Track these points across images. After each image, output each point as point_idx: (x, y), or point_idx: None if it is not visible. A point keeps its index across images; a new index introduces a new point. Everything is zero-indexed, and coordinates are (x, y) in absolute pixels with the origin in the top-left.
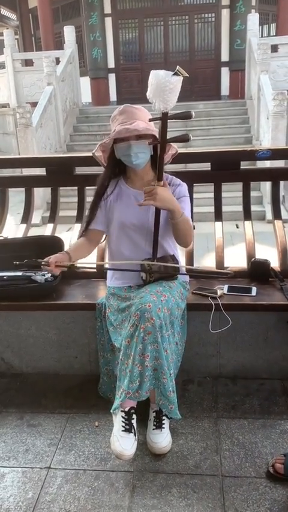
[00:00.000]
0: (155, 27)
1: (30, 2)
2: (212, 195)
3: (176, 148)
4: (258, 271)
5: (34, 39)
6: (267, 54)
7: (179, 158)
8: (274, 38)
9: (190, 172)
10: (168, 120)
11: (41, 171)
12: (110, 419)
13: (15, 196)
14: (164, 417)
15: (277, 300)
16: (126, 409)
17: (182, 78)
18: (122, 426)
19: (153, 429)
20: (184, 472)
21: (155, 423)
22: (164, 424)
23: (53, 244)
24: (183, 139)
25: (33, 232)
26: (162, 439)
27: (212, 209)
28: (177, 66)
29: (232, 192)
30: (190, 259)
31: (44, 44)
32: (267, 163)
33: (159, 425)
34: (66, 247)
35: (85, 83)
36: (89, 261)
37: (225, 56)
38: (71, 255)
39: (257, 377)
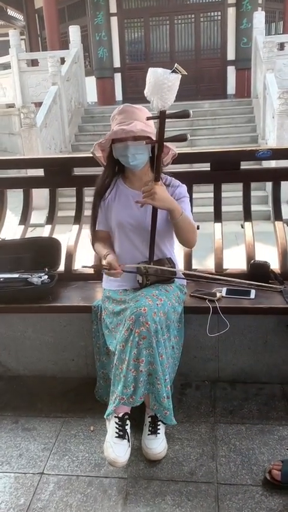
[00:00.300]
0: (161, 26)
1: (36, 2)
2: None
3: (174, 149)
4: (257, 273)
5: (40, 39)
6: (273, 52)
7: (179, 158)
8: (280, 36)
9: (190, 173)
10: (173, 120)
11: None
12: (106, 423)
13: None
14: (159, 422)
15: (276, 303)
16: (120, 415)
17: (180, 76)
18: (116, 432)
19: (148, 434)
20: (179, 479)
21: (150, 428)
22: (159, 429)
23: (51, 246)
24: (181, 138)
25: (39, 233)
26: (157, 444)
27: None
28: (176, 64)
29: (237, 192)
30: (189, 261)
31: (50, 44)
32: (272, 163)
33: (154, 431)
34: (63, 248)
35: (91, 82)
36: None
37: (231, 55)
38: (115, 253)
39: (256, 381)
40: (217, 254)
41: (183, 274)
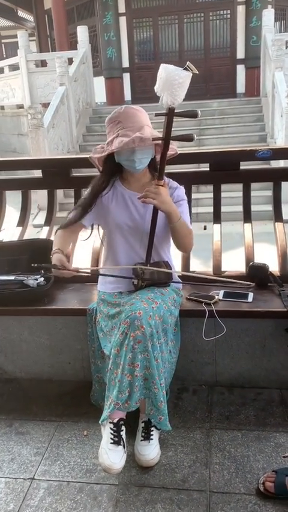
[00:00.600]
0: (170, 25)
1: (46, 3)
2: (225, 194)
3: (175, 149)
4: (256, 275)
5: (50, 40)
6: (282, 50)
7: (178, 159)
8: None
9: (189, 173)
10: (181, 119)
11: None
12: (100, 428)
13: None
14: (152, 428)
15: (274, 307)
16: (115, 421)
17: (191, 74)
18: (111, 438)
19: (141, 440)
20: (170, 487)
21: (143, 434)
22: (152, 435)
23: (47, 248)
24: (188, 138)
25: (45, 233)
26: (149, 451)
27: (225, 209)
28: (188, 62)
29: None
30: (186, 264)
31: (58, 45)
32: (281, 163)
33: (147, 437)
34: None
35: (100, 82)
36: (83, 266)
37: (240, 53)
38: (64, 253)
39: (255, 386)
40: (215, 256)
41: (181, 277)
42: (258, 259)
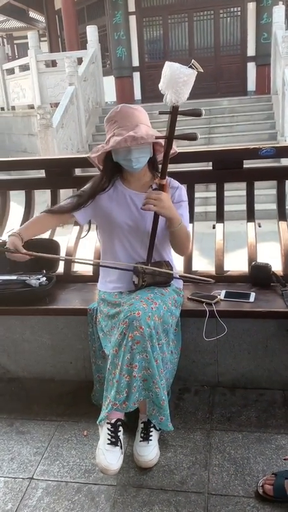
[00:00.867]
0: (180, 23)
1: (56, 4)
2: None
3: (175, 148)
4: (258, 275)
5: (60, 40)
6: None
7: (179, 157)
8: None
9: (192, 172)
10: (190, 118)
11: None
12: None
13: (40, 197)
14: (152, 429)
15: (276, 307)
16: (113, 421)
17: (196, 72)
18: (108, 439)
19: (140, 441)
20: (169, 488)
21: (142, 435)
22: (151, 436)
23: (50, 248)
24: (191, 137)
25: (58, 233)
26: (148, 452)
27: (234, 208)
28: (192, 60)
29: (261, 190)
30: (188, 262)
31: (68, 45)
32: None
33: (146, 437)
34: (63, 250)
35: (110, 82)
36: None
37: (251, 51)
38: (22, 235)
39: (257, 387)
40: (217, 256)
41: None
42: (265, 258)
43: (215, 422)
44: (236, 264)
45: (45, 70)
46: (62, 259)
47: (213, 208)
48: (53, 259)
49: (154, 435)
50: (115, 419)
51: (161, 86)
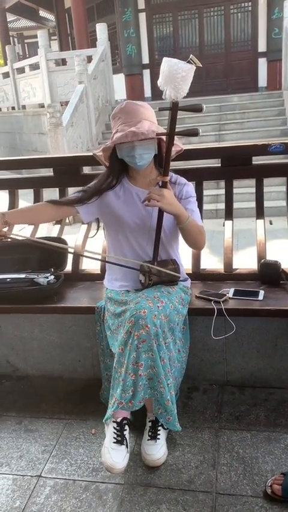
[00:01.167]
0: (190, 20)
1: (66, 2)
2: (243, 190)
3: (180, 145)
4: (268, 273)
5: (70, 38)
6: None
7: (187, 154)
8: None
9: (200, 169)
10: (200, 115)
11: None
12: None
13: (50, 196)
14: (159, 427)
15: (286, 305)
16: (119, 420)
17: (194, 67)
18: (114, 438)
19: (148, 440)
20: (176, 487)
21: (149, 433)
22: (159, 435)
23: None
24: (193, 133)
25: (66, 231)
26: (156, 450)
27: (245, 204)
28: (191, 55)
29: (274, 187)
30: (197, 260)
31: (78, 43)
32: None
33: (154, 436)
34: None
35: (120, 80)
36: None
37: (262, 46)
38: (7, 217)
39: (266, 386)
40: (226, 253)
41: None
42: (277, 256)
43: (223, 421)
44: (247, 262)
45: (55, 69)
46: (60, 249)
47: (224, 205)
48: (61, 257)
49: (162, 434)
50: (121, 418)
51: (159, 82)
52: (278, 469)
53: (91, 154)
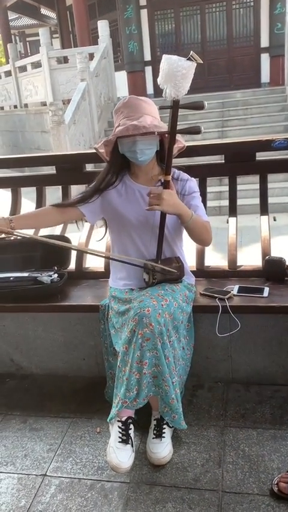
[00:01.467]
0: (192, 16)
1: (67, 0)
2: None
3: (183, 142)
4: (272, 270)
5: (72, 36)
6: None
7: (190, 151)
8: None
9: (203, 166)
10: (202, 112)
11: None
12: None
13: (53, 195)
14: (164, 426)
15: None
16: (123, 419)
17: (195, 64)
18: (119, 437)
19: (153, 438)
20: (182, 486)
21: (155, 432)
22: (164, 433)
23: None
24: (195, 131)
25: (70, 229)
26: (161, 449)
27: (249, 201)
28: (191, 52)
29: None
30: (201, 257)
31: (80, 40)
32: None
33: (159, 434)
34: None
35: (122, 77)
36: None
37: (265, 42)
38: (14, 222)
39: (272, 383)
40: (230, 250)
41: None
42: (281, 253)
43: (229, 419)
44: (252, 258)
45: (57, 67)
46: (61, 246)
47: (227, 202)
48: (65, 255)
49: (167, 432)
50: (126, 417)
51: (159, 80)
52: (284, 467)
53: (93, 151)
